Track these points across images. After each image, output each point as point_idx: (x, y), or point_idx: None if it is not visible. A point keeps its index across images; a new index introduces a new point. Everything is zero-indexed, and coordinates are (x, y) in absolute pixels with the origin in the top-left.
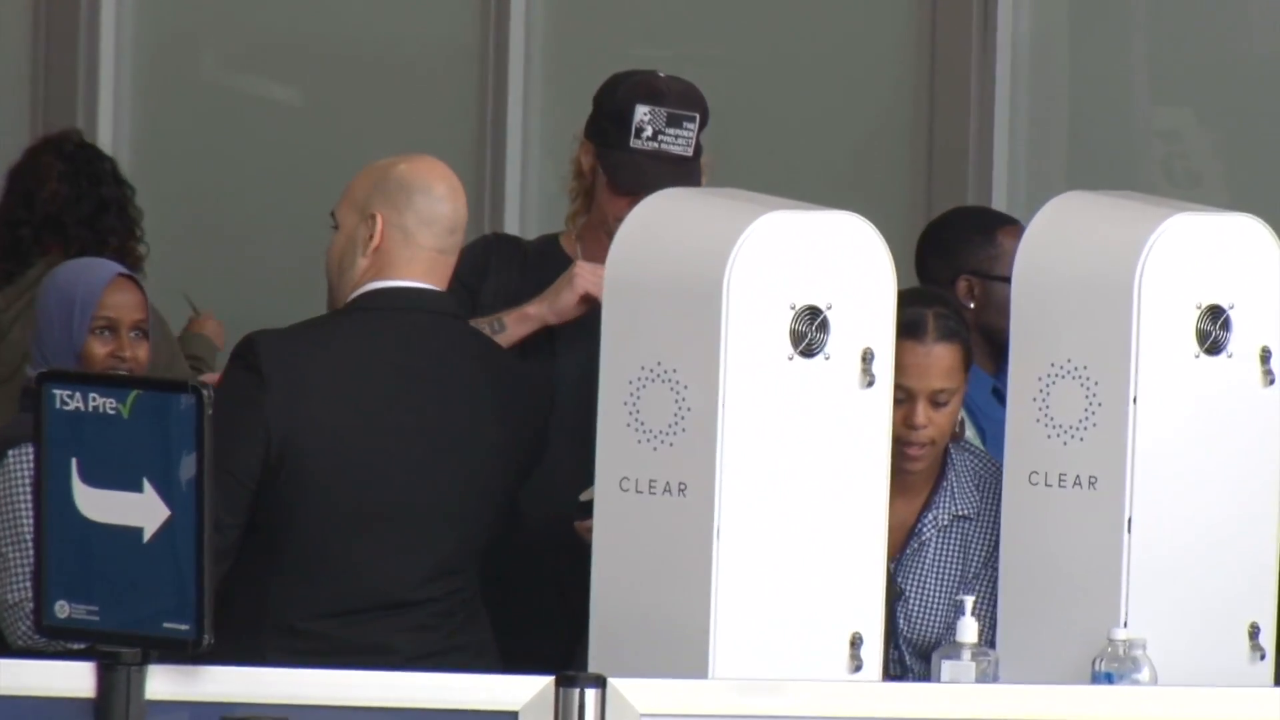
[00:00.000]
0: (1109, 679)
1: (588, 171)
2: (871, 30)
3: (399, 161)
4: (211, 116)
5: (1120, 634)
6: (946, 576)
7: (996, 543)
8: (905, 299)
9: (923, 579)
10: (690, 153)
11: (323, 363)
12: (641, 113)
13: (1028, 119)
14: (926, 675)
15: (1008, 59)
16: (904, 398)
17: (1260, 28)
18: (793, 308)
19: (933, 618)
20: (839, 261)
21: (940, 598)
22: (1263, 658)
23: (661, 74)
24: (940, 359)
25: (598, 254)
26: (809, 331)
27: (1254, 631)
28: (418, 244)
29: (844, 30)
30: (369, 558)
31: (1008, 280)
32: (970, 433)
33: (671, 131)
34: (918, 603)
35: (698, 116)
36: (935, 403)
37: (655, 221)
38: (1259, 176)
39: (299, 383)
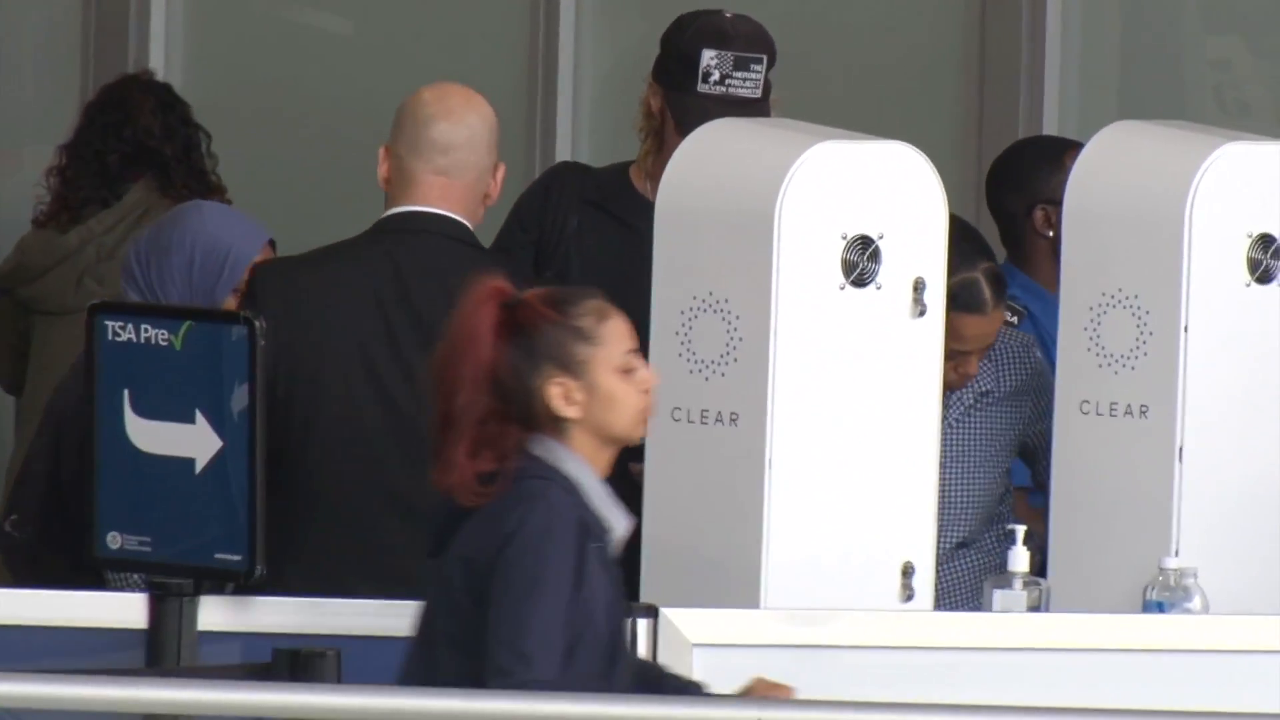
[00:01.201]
0: (1160, 608)
1: (657, 113)
2: None
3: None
4: (262, 47)
5: (1171, 563)
6: (978, 452)
7: (1026, 411)
8: (955, 256)
9: (955, 457)
10: (759, 94)
11: (318, 289)
12: (709, 57)
13: (1079, 48)
14: (960, 565)
15: None
16: (956, 355)
17: None
18: (844, 237)
19: (969, 494)
20: (890, 191)
21: (975, 473)
22: None
23: (728, 14)
24: (997, 322)
25: None
26: (860, 261)
27: None
28: (411, 169)
29: None
30: (370, 474)
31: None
32: None
33: (739, 75)
34: (953, 480)
35: (765, 58)
36: (981, 352)
37: (707, 151)
38: None
39: (292, 312)
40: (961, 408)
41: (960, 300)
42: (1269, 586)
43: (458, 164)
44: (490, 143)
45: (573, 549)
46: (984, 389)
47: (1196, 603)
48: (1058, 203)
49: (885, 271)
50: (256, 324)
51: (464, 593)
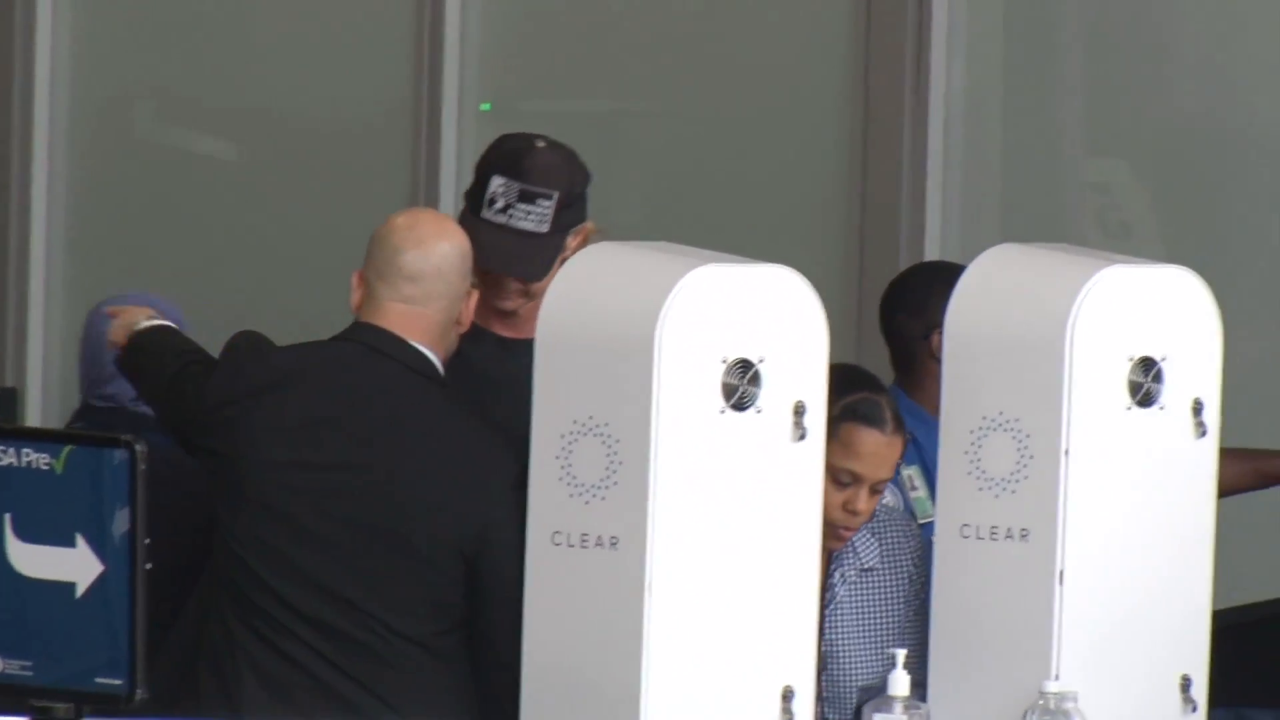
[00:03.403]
0: None
1: None
2: (805, 84)
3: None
4: (146, 174)
5: (1052, 686)
6: (864, 629)
7: (909, 590)
8: (848, 381)
9: (842, 635)
10: (544, 229)
11: (270, 371)
12: (496, 184)
13: (960, 171)
14: None
15: (940, 112)
16: (850, 482)
17: (1190, 78)
18: (724, 361)
19: (855, 672)
20: (771, 315)
21: (861, 651)
22: (1194, 710)
23: (541, 144)
24: (896, 450)
25: (481, 314)
26: (741, 385)
27: (1186, 684)
28: (378, 297)
29: (778, 84)
30: (276, 559)
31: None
32: (923, 491)
33: (523, 207)
34: (840, 659)
35: (556, 195)
36: (874, 490)
37: (587, 274)
38: (1192, 228)
39: (237, 376)
40: (845, 584)
41: (860, 413)
42: (1150, 710)
43: (425, 293)
44: (461, 270)
45: None
46: (867, 565)
47: None
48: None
49: (766, 395)
50: (138, 448)
51: None
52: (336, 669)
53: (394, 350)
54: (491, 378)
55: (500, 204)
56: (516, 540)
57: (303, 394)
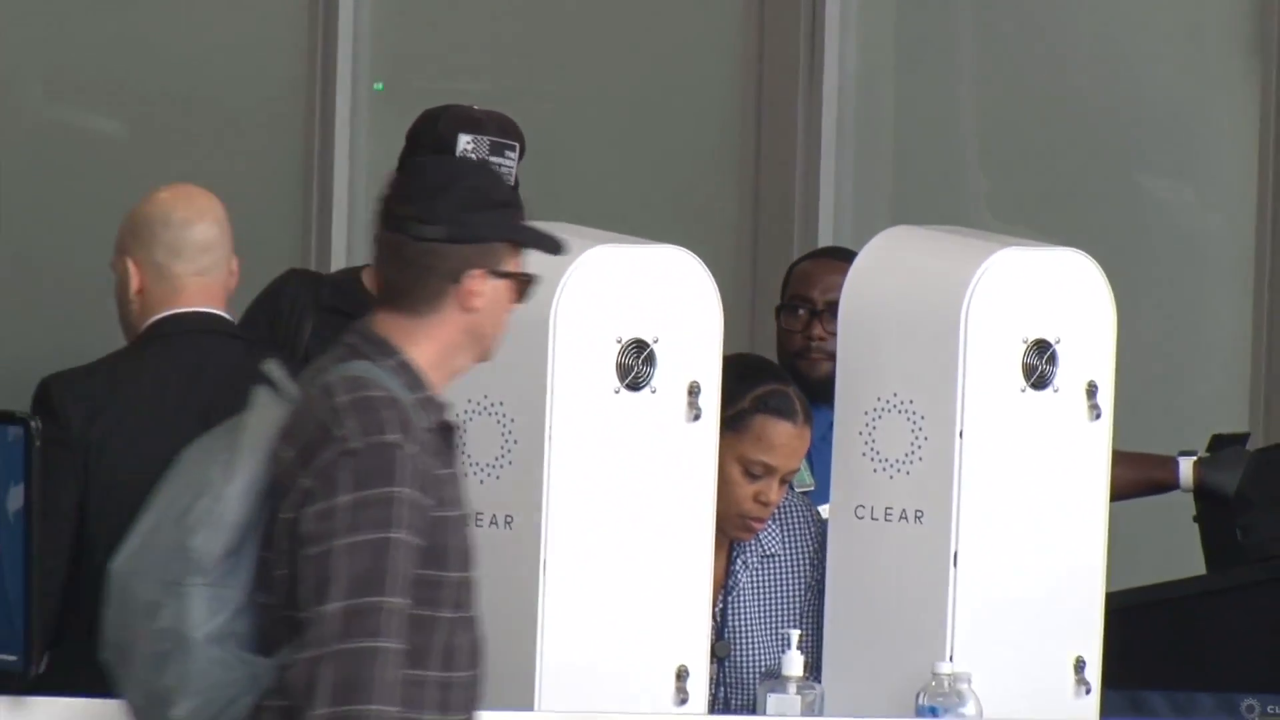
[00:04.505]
0: (934, 712)
1: None
2: (698, 65)
3: (144, 199)
4: (36, 154)
5: (945, 668)
6: (766, 615)
7: (810, 574)
8: (752, 372)
9: (744, 621)
10: (512, 182)
11: (117, 398)
12: (464, 141)
13: (854, 154)
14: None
15: (834, 94)
16: (762, 474)
17: (1083, 60)
18: (619, 341)
19: (758, 657)
20: (665, 295)
21: (763, 636)
22: (1088, 691)
23: (476, 106)
24: (806, 440)
25: None
26: (635, 365)
27: (1080, 665)
28: (173, 275)
29: (670, 65)
30: None
31: (782, 311)
32: (803, 468)
33: (495, 160)
34: (742, 645)
35: (517, 145)
36: (784, 480)
37: None
38: (1085, 211)
39: (95, 419)
40: (747, 571)
41: (772, 405)
42: (1043, 691)
43: (215, 261)
44: (230, 234)
45: None
46: (769, 551)
47: (970, 708)
48: (782, 307)
49: (660, 375)
50: (32, 424)
51: None
52: None
53: (209, 324)
54: None
55: (474, 160)
56: None
57: (149, 392)
